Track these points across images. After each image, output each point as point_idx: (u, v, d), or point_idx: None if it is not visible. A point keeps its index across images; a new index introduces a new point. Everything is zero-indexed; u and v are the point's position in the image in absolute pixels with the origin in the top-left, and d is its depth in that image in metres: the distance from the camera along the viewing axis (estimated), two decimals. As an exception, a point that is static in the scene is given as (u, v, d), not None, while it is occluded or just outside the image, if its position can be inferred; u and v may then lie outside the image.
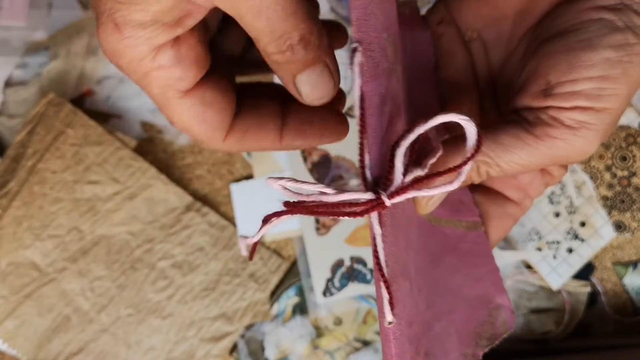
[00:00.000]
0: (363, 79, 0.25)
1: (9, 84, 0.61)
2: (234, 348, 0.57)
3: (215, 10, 0.26)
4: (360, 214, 0.24)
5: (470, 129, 0.24)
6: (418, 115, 0.28)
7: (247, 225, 0.58)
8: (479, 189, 0.33)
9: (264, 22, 0.25)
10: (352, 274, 0.57)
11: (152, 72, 0.26)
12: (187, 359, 0.56)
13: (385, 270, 0.24)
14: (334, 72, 0.27)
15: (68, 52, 0.61)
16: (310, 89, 0.27)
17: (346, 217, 0.25)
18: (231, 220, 0.58)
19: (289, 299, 0.58)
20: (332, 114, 0.29)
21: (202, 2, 0.25)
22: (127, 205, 0.58)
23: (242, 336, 0.57)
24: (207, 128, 0.29)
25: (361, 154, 0.25)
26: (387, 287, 0.24)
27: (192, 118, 0.28)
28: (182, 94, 0.27)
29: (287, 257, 0.58)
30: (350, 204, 0.24)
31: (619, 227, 0.56)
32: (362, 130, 0.25)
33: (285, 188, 0.26)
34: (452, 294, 0.29)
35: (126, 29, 0.24)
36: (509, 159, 0.28)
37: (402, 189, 0.24)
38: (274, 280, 0.57)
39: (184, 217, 0.58)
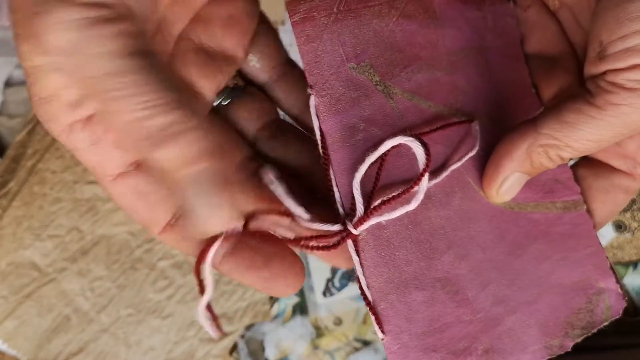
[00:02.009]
0: (320, 118, 0.26)
1: (9, 84, 0.61)
2: (234, 348, 0.57)
3: None
4: (334, 247, 0.25)
5: (416, 148, 0.25)
6: (505, 97, 0.29)
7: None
8: (581, 163, 0.31)
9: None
10: (352, 274, 0.57)
11: (75, 146, 0.24)
12: (187, 359, 0.56)
13: (367, 293, 0.25)
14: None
15: (68, 52, 0.61)
16: None
17: (320, 252, 0.26)
18: (231, 220, 0.58)
19: (289, 299, 0.58)
20: (290, 255, 0.27)
21: None
22: (127, 205, 0.58)
23: (242, 336, 0.57)
24: (142, 218, 0.26)
25: (330, 188, 0.26)
26: (371, 309, 0.25)
27: (127, 203, 0.26)
28: (112, 177, 0.25)
29: (287, 257, 0.58)
30: (323, 237, 0.25)
31: (619, 227, 0.56)
32: (327, 167, 0.26)
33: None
34: (536, 283, 0.28)
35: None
36: (578, 137, 0.26)
37: (364, 217, 0.25)
38: (274, 280, 0.57)
39: (184, 217, 0.58)
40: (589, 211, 0.30)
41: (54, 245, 0.57)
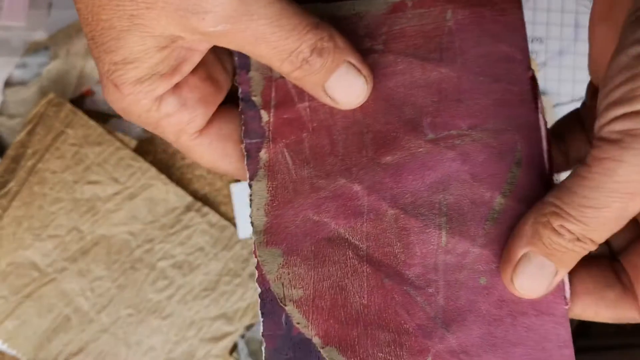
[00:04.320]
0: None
1: (8, 84, 0.61)
2: (234, 348, 0.57)
3: None
4: None
5: None
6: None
7: (248, 225, 0.58)
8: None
9: (266, 48, 0.24)
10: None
11: (161, 122, 0.26)
12: (187, 359, 0.56)
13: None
14: (361, 67, 0.26)
15: (68, 52, 0.61)
16: (342, 93, 0.26)
17: None
18: (231, 220, 0.58)
19: (289, 299, 0.58)
20: None
21: (197, 46, 0.25)
22: (127, 205, 0.58)
23: (242, 336, 0.57)
24: (231, 162, 0.29)
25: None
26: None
27: (213, 155, 0.28)
28: (197, 134, 0.27)
29: (287, 257, 0.58)
30: None
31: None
32: None
33: None
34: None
35: (125, 88, 0.25)
36: (575, 202, 0.23)
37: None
38: (274, 280, 0.57)
39: (184, 217, 0.58)
40: (637, 300, 0.26)
41: (54, 245, 0.57)
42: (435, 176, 0.27)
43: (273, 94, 0.28)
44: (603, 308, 0.27)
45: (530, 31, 0.61)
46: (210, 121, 0.28)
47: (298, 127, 0.28)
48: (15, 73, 0.61)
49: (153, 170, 0.58)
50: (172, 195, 0.58)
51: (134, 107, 0.26)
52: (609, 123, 0.22)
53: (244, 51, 0.25)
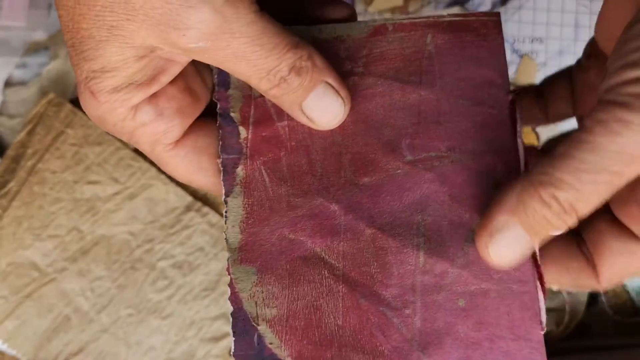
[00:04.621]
0: None
1: (8, 84, 0.61)
2: (234, 348, 0.57)
3: None
4: None
5: None
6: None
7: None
8: (605, 218, 0.27)
9: (245, 66, 0.24)
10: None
11: (136, 131, 0.26)
12: (187, 359, 0.56)
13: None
14: (339, 88, 0.26)
15: (68, 52, 0.61)
16: (319, 113, 0.26)
17: None
18: (231, 220, 0.58)
19: (289, 299, 0.58)
20: None
21: (176, 58, 0.25)
22: (127, 205, 0.58)
23: (242, 336, 0.57)
24: (206, 175, 0.28)
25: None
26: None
27: (188, 168, 0.28)
28: (172, 145, 0.27)
29: (287, 257, 0.58)
30: None
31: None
32: None
33: None
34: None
35: (101, 96, 0.25)
36: (569, 167, 0.22)
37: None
38: (274, 280, 0.57)
39: (184, 217, 0.58)
40: (596, 271, 0.27)
41: (54, 245, 0.57)
42: (413, 197, 0.27)
43: (252, 112, 0.28)
44: (565, 277, 0.27)
45: (530, 31, 0.61)
46: (186, 133, 0.28)
47: (276, 145, 0.28)
48: (15, 73, 0.61)
49: (153, 170, 0.58)
50: (172, 195, 0.58)
51: (109, 116, 0.26)
52: (620, 85, 0.22)
53: (223, 68, 0.25)
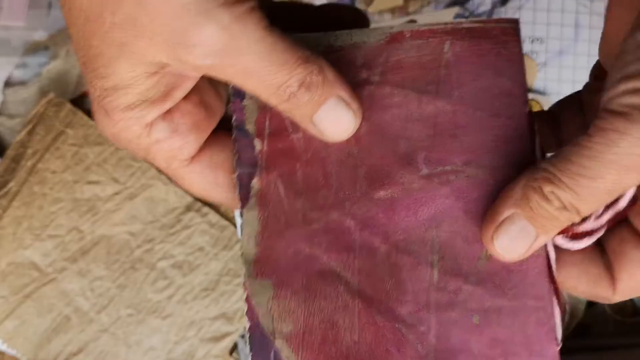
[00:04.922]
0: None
1: (8, 84, 0.61)
2: (234, 348, 0.57)
3: None
4: None
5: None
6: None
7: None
8: (627, 228, 0.27)
9: (255, 82, 0.24)
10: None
11: (151, 148, 0.26)
12: (187, 359, 0.56)
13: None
14: (350, 100, 0.26)
15: (68, 52, 0.61)
16: (330, 126, 0.26)
17: None
18: (231, 220, 0.58)
19: (289, 299, 0.58)
20: None
21: (188, 73, 0.25)
22: (127, 205, 0.58)
23: (242, 336, 0.57)
24: (222, 191, 0.28)
25: None
26: None
27: (204, 184, 0.28)
28: (187, 161, 0.27)
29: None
30: None
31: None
32: None
33: None
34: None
35: (115, 114, 0.25)
36: (570, 170, 0.23)
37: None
38: (274, 280, 0.57)
39: (184, 217, 0.58)
40: (613, 280, 0.27)
41: (54, 245, 0.57)
42: (428, 212, 0.27)
43: (267, 123, 0.28)
44: (583, 282, 0.27)
45: (530, 31, 0.61)
46: (202, 148, 0.27)
47: (291, 158, 0.27)
48: (15, 73, 0.61)
49: (153, 170, 0.58)
50: (172, 195, 0.58)
51: (124, 134, 0.25)
52: (618, 96, 0.22)
53: (232, 83, 0.25)
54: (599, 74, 0.30)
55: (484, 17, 0.29)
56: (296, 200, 0.27)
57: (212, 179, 0.28)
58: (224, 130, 0.28)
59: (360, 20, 0.30)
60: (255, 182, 0.28)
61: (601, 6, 0.61)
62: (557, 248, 0.27)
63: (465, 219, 0.27)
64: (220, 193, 0.28)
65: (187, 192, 0.29)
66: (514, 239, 0.24)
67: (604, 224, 0.26)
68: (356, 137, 0.27)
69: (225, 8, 0.23)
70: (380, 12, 0.62)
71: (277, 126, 0.28)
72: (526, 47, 0.61)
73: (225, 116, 0.28)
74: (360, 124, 0.27)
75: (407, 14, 0.61)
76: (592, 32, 0.61)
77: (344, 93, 0.26)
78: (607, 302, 0.28)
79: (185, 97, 0.26)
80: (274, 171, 0.28)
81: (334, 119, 0.26)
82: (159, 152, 0.26)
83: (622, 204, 0.26)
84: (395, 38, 0.28)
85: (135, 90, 0.24)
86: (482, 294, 0.26)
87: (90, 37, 0.23)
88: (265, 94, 0.25)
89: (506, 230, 0.24)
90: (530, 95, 0.61)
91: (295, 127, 0.27)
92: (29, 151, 0.58)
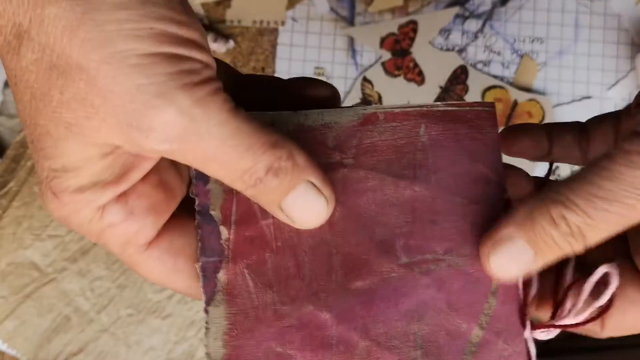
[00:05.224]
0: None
1: (9, 84, 0.61)
2: (234, 348, 0.57)
3: None
4: None
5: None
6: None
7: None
8: (628, 268, 0.26)
9: (217, 167, 0.22)
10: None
11: (104, 232, 0.24)
12: (187, 359, 0.56)
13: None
14: (322, 186, 0.24)
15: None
16: (300, 213, 0.24)
17: None
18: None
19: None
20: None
21: (147, 154, 0.23)
22: (127, 205, 0.58)
23: (242, 336, 0.57)
24: (183, 279, 0.26)
25: None
26: None
27: (163, 271, 0.26)
28: (144, 247, 0.25)
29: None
30: None
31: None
32: None
33: None
34: None
35: (64, 196, 0.23)
36: (583, 191, 0.22)
37: None
38: (274, 280, 0.57)
39: (184, 217, 0.58)
40: (603, 316, 0.26)
41: (54, 245, 0.57)
42: (409, 304, 0.26)
43: (234, 209, 0.26)
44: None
45: (530, 31, 0.61)
46: (160, 233, 0.25)
47: (261, 246, 0.26)
48: (16, 73, 0.61)
49: (153, 170, 0.58)
50: (172, 195, 0.58)
51: (73, 217, 0.23)
52: None
53: (193, 167, 0.23)
54: None
55: (462, 102, 0.28)
56: (266, 293, 0.26)
57: (171, 266, 0.26)
58: (184, 212, 0.26)
59: (332, 96, 0.29)
60: (222, 275, 0.26)
61: (601, 6, 0.61)
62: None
63: (448, 311, 0.26)
64: (180, 281, 0.26)
65: (147, 279, 0.26)
66: (511, 259, 0.24)
67: (583, 322, 0.26)
68: (330, 222, 0.26)
69: (186, 90, 0.21)
70: (380, 12, 0.62)
71: (245, 212, 0.26)
72: (526, 47, 0.61)
73: (186, 198, 0.27)
74: (335, 209, 0.25)
75: (407, 14, 0.61)
76: (592, 32, 0.61)
77: (315, 178, 0.24)
78: (597, 337, 0.27)
79: (143, 177, 0.24)
80: (242, 261, 0.26)
81: (304, 206, 0.24)
82: (112, 237, 0.24)
83: (605, 299, 0.25)
84: (368, 119, 0.27)
85: (86, 172, 0.22)
86: None
87: (37, 114, 0.22)
88: (228, 180, 0.23)
89: (504, 250, 0.24)
90: (531, 95, 0.61)
91: (265, 213, 0.26)
92: (29, 151, 0.58)
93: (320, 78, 0.29)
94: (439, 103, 0.27)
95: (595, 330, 0.27)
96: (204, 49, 0.22)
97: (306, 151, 0.24)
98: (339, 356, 0.25)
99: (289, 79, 0.29)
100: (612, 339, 0.53)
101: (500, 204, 0.26)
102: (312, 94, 0.28)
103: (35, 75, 0.21)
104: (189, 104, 0.21)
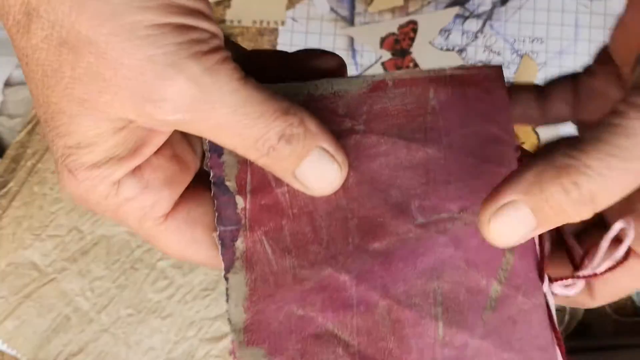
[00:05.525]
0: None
1: (8, 84, 0.61)
2: (234, 348, 0.57)
3: None
4: None
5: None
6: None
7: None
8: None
9: (229, 136, 0.23)
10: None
11: (121, 207, 0.24)
12: (187, 359, 0.56)
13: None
14: (335, 152, 0.24)
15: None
16: (314, 180, 0.24)
17: None
18: (231, 220, 0.58)
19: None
20: None
21: (160, 127, 0.23)
22: (127, 205, 0.58)
23: (242, 336, 0.57)
24: (201, 249, 0.27)
25: None
26: None
27: (181, 243, 0.26)
28: (162, 219, 0.25)
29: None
30: None
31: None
32: None
33: None
34: None
35: (79, 173, 0.23)
36: (604, 152, 0.20)
37: None
38: (274, 280, 0.57)
39: (184, 217, 0.58)
40: (590, 286, 0.26)
41: (54, 245, 0.57)
42: (427, 262, 0.26)
43: (248, 179, 0.26)
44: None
45: (530, 31, 0.61)
46: (176, 204, 0.25)
47: (277, 214, 0.26)
48: (15, 73, 0.61)
49: (153, 170, 0.58)
50: (172, 195, 0.58)
51: (90, 194, 0.24)
52: None
53: (206, 137, 0.24)
54: (603, 58, 0.29)
55: (469, 65, 0.28)
56: (285, 259, 0.26)
57: (189, 236, 0.26)
58: (200, 185, 0.26)
59: (338, 66, 0.29)
60: (240, 243, 0.26)
61: (601, 6, 0.61)
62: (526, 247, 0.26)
63: (467, 268, 0.26)
64: (200, 251, 0.27)
65: (166, 253, 0.26)
66: (512, 226, 0.22)
67: (602, 272, 0.26)
68: (344, 188, 0.26)
69: (195, 59, 0.21)
70: (381, 12, 0.62)
71: (260, 181, 0.26)
72: (526, 47, 0.61)
73: (201, 170, 0.27)
74: (348, 174, 0.26)
75: (407, 14, 0.61)
76: (592, 32, 0.61)
77: (328, 144, 0.24)
78: (587, 307, 0.27)
79: (157, 151, 0.24)
80: (259, 229, 0.26)
81: (318, 173, 0.24)
82: (130, 211, 0.24)
83: (621, 252, 0.25)
84: (377, 86, 0.27)
85: (101, 147, 0.23)
86: (489, 348, 0.25)
87: (50, 93, 0.22)
88: (241, 149, 0.23)
89: (506, 216, 0.22)
90: (530, 95, 0.61)
91: (279, 181, 0.26)
92: (29, 151, 0.58)
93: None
94: (446, 68, 0.27)
95: (586, 302, 0.27)
96: (211, 19, 0.22)
97: (317, 118, 0.24)
98: (360, 316, 0.26)
99: (295, 52, 0.29)
100: (612, 339, 0.53)
101: (513, 162, 0.27)
102: (319, 65, 0.28)
103: (46, 53, 0.21)
104: (199, 73, 0.21)
